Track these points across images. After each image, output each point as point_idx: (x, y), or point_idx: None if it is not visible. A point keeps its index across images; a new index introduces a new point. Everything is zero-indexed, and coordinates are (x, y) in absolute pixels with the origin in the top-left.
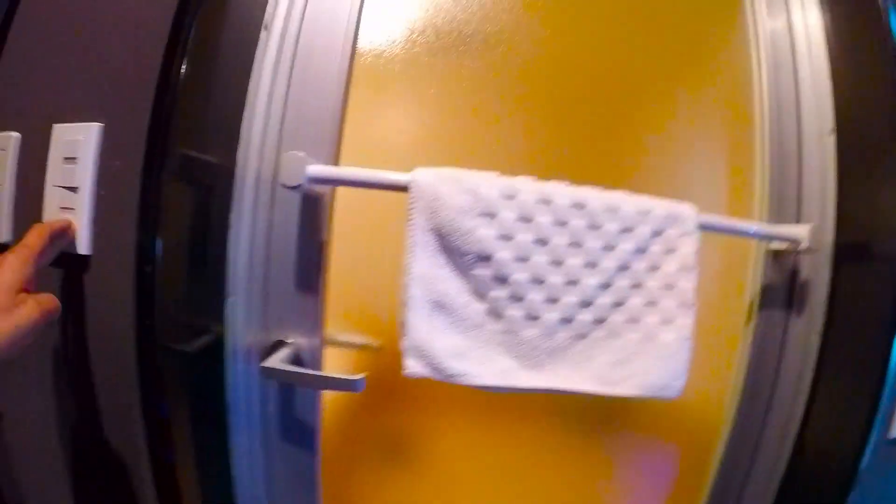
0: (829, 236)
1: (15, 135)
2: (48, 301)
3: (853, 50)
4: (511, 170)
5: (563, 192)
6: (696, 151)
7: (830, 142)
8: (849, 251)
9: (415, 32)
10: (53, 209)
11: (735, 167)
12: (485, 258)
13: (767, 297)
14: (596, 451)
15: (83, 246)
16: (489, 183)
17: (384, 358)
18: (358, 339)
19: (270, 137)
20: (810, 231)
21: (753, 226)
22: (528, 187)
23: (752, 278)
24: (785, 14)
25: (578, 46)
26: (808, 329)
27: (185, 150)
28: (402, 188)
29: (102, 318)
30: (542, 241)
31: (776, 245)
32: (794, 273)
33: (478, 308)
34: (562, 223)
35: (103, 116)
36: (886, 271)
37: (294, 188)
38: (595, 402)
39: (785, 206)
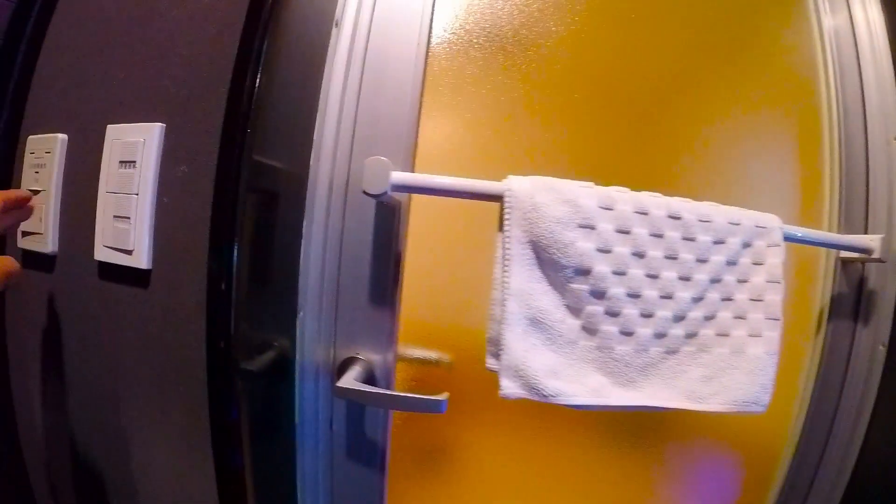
0: None
1: (61, 136)
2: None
3: None
4: (567, 175)
5: (658, 202)
6: (763, 157)
7: None
8: None
9: (467, 34)
10: (107, 218)
11: (803, 174)
12: (583, 272)
13: (835, 307)
14: (654, 466)
15: (142, 259)
16: (587, 193)
17: (438, 371)
18: (430, 354)
19: (343, 142)
20: (882, 241)
21: (831, 236)
22: (624, 197)
23: (821, 288)
24: (846, 10)
25: (636, 48)
26: (874, 340)
27: (257, 157)
28: (496, 197)
29: (165, 337)
30: (639, 254)
31: (846, 255)
32: (861, 283)
33: (572, 324)
34: (658, 235)
35: (164, 117)
36: None
37: (378, 196)
38: (654, 414)
39: (853, 213)
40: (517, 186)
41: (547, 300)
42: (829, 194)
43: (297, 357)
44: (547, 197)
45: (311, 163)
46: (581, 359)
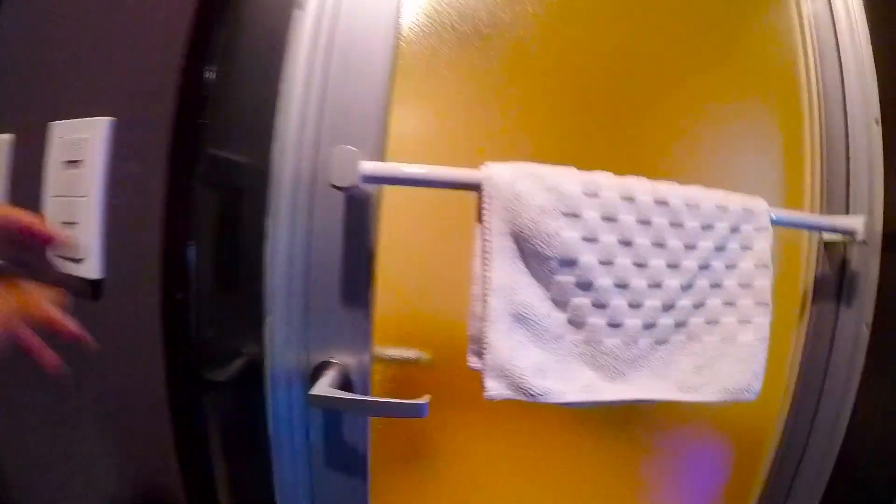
0: (877, 226)
1: (6, 137)
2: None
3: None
4: (547, 163)
5: (644, 188)
6: (746, 140)
7: (877, 131)
8: None
9: (439, 15)
10: (54, 225)
11: (785, 158)
12: (569, 263)
13: (818, 289)
14: (643, 454)
15: (93, 269)
16: (571, 179)
17: (418, 370)
18: (408, 353)
19: (308, 132)
20: (864, 222)
21: (816, 218)
22: (609, 183)
23: (804, 271)
24: None
25: (616, 32)
26: (858, 320)
27: (213, 150)
28: (474, 186)
29: (121, 352)
30: (625, 242)
31: (829, 237)
32: (843, 264)
33: (558, 317)
34: (645, 222)
35: (113, 111)
36: None
37: (346, 189)
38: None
39: (834, 196)
40: (496, 174)
41: (531, 294)
42: (810, 177)
43: (267, 364)
44: (529, 185)
45: (274, 155)
46: (569, 354)
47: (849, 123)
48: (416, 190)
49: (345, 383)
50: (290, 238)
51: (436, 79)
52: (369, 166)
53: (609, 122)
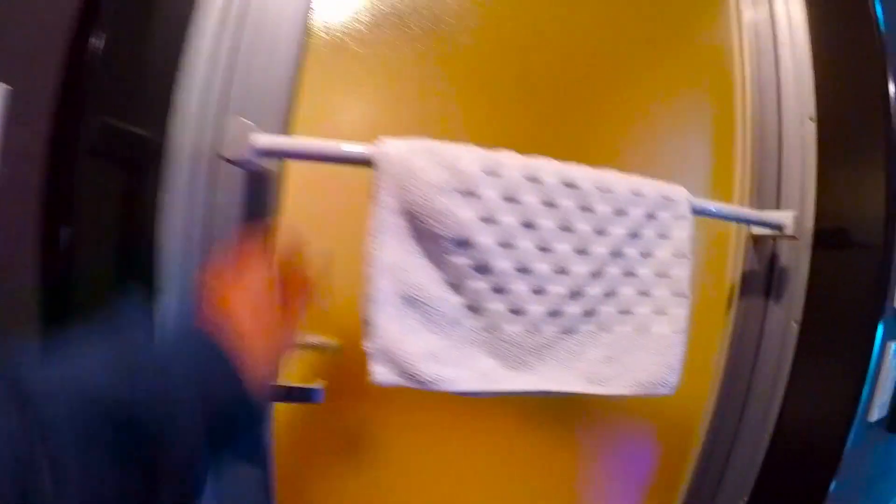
0: (808, 223)
1: None
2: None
3: (837, 37)
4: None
5: (551, 168)
6: (676, 135)
7: (811, 128)
8: (828, 238)
9: (377, 5)
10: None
11: (716, 151)
12: (464, 244)
13: (746, 284)
14: (571, 441)
15: None
16: (469, 157)
17: (339, 356)
18: (313, 339)
19: (211, 104)
20: (793, 218)
21: (742, 211)
22: (513, 162)
23: (731, 265)
24: (767, 5)
25: (554, 26)
26: (786, 316)
27: (106, 119)
28: (367, 162)
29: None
30: (528, 225)
31: (758, 231)
32: (772, 260)
33: (454, 302)
34: (550, 204)
35: (10, 78)
36: (865, 258)
37: (237, 162)
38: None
39: (765, 191)
40: (391, 150)
41: (424, 276)
42: (741, 172)
43: None
44: (424, 161)
45: (173, 127)
46: (466, 340)
47: (783, 120)
48: (324, 169)
49: None
50: (187, 213)
51: (350, 57)
52: (261, 139)
53: (538, 112)
